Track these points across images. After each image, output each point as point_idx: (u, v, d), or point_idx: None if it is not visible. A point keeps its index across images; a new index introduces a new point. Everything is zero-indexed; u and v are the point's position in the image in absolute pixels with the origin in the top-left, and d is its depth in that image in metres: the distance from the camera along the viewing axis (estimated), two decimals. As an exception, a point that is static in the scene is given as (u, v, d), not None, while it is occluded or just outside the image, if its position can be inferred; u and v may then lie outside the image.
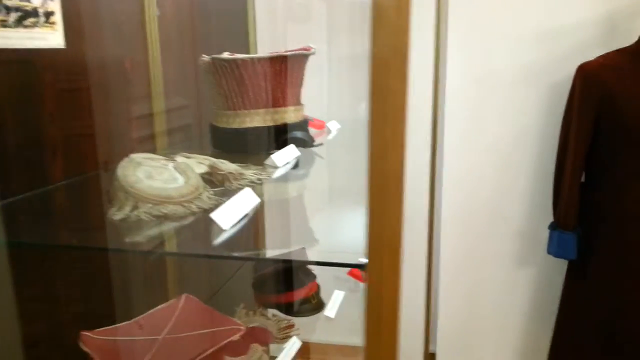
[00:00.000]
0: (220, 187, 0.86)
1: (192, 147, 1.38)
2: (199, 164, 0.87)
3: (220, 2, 1.71)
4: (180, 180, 0.77)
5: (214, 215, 0.67)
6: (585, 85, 1.71)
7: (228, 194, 0.81)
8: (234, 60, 1.09)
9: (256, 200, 0.78)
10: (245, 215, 0.73)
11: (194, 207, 0.73)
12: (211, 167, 0.87)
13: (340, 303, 1.49)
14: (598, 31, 1.89)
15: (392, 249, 0.49)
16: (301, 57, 1.14)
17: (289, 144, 1.13)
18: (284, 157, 1.07)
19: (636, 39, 1.68)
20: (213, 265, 1.50)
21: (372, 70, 0.46)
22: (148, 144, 1.23)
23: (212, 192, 0.81)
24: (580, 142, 1.74)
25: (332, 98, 2.06)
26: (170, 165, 0.81)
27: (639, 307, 1.66)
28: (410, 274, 2.06)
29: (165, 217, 0.71)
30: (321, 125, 1.47)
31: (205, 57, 1.15)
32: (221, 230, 0.67)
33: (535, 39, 1.94)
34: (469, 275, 2.11)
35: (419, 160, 1.92)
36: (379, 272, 0.49)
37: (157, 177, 0.76)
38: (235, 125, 1.14)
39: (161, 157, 0.84)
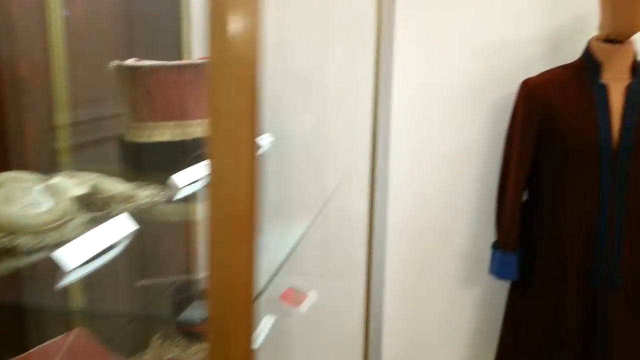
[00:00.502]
0: (102, 211, 0.76)
1: (107, 162, 1.26)
2: (80, 184, 0.77)
3: (149, 2, 1.60)
4: (46, 204, 0.66)
5: (58, 254, 0.57)
6: (528, 101, 1.67)
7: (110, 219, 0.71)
8: (138, 68, 0.99)
9: (130, 229, 0.68)
10: (112, 247, 0.63)
11: (51, 238, 0.63)
12: (93, 188, 0.77)
13: (271, 329, 1.40)
14: (543, 47, 1.87)
15: (240, 294, 0.40)
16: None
17: (202, 160, 1.03)
18: (190, 175, 0.97)
19: (580, 55, 1.65)
20: (133, 290, 1.38)
21: (210, 83, 0.37)
22: (46, 161, 1.11)
23: (88, 219, 0.71)
24: (521, 160, 1.70)
25: (269, 109, 1.97)
26: (39, 186, 0.70)
27: (578, 327, 1.61)
28: (349, 297, 1.99)
29: (16, 250, 0.60)
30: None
31: (113, 64, 1.05)
32: (72, 271, 0.56)
33: (481, 54, 1.91)
34: (414, 296, 2.06)
35: (358, 180, 1.84)
36: (222, 318, 0.39)
37: (17, 201, 0.65)
38: (143, 139, 1.04)
39: (33, 176, 0.74)
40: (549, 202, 1.68)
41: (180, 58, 1.71)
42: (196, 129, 1.05)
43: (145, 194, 0.84)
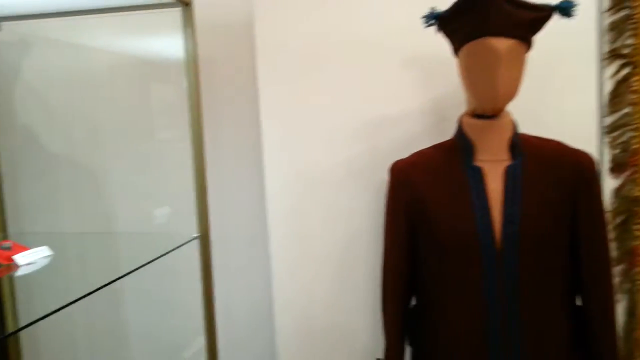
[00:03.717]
0: None
1: None
2: None
3: None
4: None
5: None
6: (395, 188, 1.39)
7: None
8: None
9: None
10: None
11: None
12: None
13: None
14: (428, 122, 1.61)
15: None
16: None
17: None
18: None
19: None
20: None
21: None
22: None
23: None
24: (395, 258, 1.40)
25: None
26: None
27: None
28: None
29: None
30: (5, 257, 1.10)
31: None
32: None
33: (361, 133, 1.65)
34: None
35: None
36: None
37: None
38: None
39: None
40: (431, 311, 1.36)
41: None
42: None
43: None
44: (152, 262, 1.26)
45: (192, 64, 1.31)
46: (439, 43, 1.40)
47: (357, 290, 1.71)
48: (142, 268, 1.56)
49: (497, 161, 1.30)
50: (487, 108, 1.24)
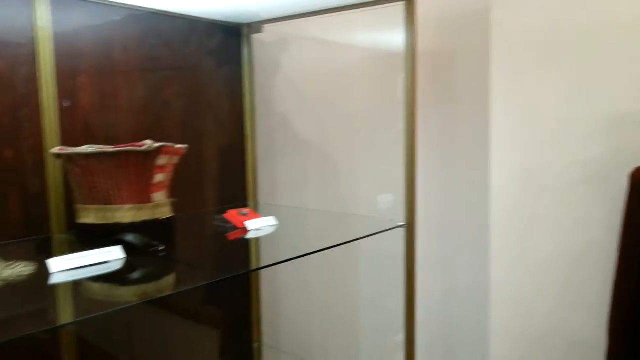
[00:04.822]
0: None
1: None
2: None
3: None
4: None
5: None
6: (634, 200, 1.19)
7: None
8: (62, 155, 1.08)
9: None
10: None
11: None
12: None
13: None
14: None
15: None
16: (136, 154, 1.05)
17: (119, 244, 1.04)
18: (79, 260, 0.97)
19: None
20: None
21: None
22: None
23: None
24: (630, 280, 1.20)
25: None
26: None
27: None
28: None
29: None
30: (240, 221, 1.32)
31: (53, 150, 1.14)
32: None
33: (605, 127, 1.44)
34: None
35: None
36: None
37: None
38: (77, 219, 1.12)
39: None
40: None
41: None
42: (115, 213, 1.07)
43: (8, 272, 0.89)
44: (369, 245, 1.34)
45: (410, 57, 1.34)
46: None
47: (583, 312, 1.50)
48: (364, 249, 1.68)
49: None
50: None
